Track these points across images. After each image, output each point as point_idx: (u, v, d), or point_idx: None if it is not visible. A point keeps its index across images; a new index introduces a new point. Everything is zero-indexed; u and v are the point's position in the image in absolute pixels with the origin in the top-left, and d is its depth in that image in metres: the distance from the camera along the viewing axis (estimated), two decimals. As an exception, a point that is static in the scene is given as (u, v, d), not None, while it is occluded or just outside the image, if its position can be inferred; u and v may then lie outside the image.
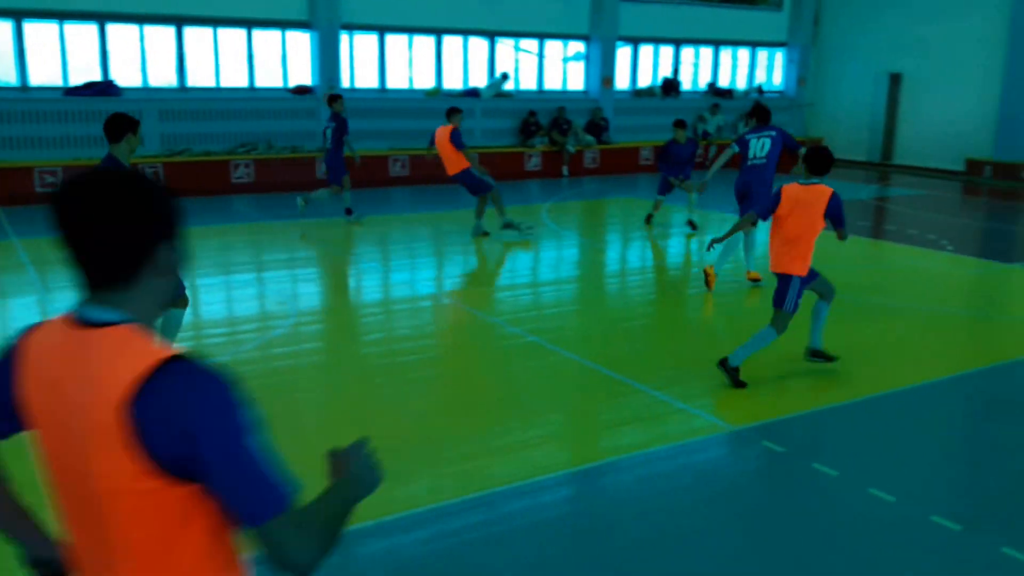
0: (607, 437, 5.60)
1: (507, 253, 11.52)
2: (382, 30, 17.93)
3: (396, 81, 18.44)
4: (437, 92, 18.57)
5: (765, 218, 6.52)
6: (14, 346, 1.71)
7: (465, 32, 18.93)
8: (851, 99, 22.78)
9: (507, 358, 7.09)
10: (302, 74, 17.27)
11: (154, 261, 1.59)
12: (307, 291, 9.49)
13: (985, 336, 7.88)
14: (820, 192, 6.23)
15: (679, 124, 12.20)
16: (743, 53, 23.39)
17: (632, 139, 20.47)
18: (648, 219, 12.77)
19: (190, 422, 1.48)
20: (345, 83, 17.51)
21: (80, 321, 1.59)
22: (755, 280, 9.50)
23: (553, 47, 20.33)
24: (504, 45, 19.62)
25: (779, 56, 23.85)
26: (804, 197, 6.28)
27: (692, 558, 4.09)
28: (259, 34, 16.74)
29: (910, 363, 6.87)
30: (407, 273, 10.36)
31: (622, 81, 21.25)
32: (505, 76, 19.32)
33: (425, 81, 18.74)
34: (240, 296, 8.84)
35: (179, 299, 6.07)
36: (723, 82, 23.16)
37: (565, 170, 19.17)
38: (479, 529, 4.30)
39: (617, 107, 20.57)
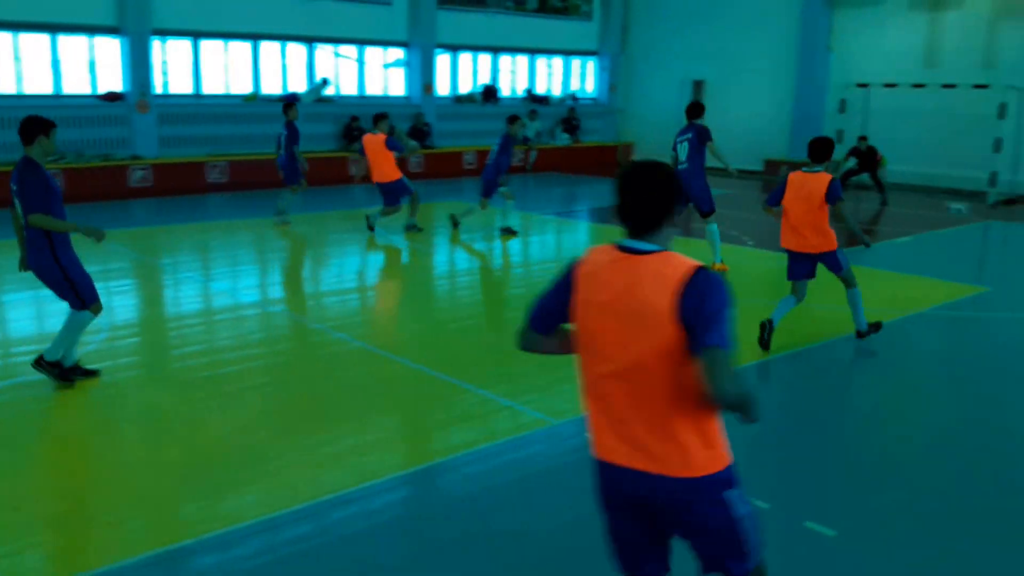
0: (436, 439, 5.65)
1: (333, 259, 11.39)
2: (196, 35, 17.32)
3: (212, 87, 17.83)
4: (255, 97, 18.12)
5: (776, 204, 7.43)
6: (573, 266, 2.77)
7: (283, 38, 18.58)
8: (659, 105, 23.96)
9: (333, 364, 7.01)
10: (112, 80, 16.42)
11: (672, 217, 2.64)
12: (122, 303, 8.99)
13: (785, 324, 8.50)
14: (822, 178, 7.12)
15: (514, 119, 12.49)
16: (557, 61, 24.17)
17: (455, 144, 20.70)
18: (455, 223, 12.78)
19: (703, 296, 2.48)
20: (158, 89, 16.80)
21: (626, 250, 2.64)
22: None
23: (373, 53, 20.26)
24: (323, 51, 19.36)
25: (591, 64, 24.80)
26: (808, 183, 7.17)
27: (520, 551, 4.18)
28: (64, 39, 15.82)
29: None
30: (228, 282, 10.03)
31: (443, 87, 21.45)
32: (325, 81, 19.08)
33: (243, 86, 18.22)
34: (50, 311, 8.21)
35: (93, 305, 6.16)
36: (540, 89, 23.83)
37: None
38: (309, 540, 4.24)
39: (439, 113, 20.75)
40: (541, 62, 23.80)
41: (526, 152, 20.73)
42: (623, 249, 2.65)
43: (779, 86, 21.18)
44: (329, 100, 19.13)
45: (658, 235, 2.63)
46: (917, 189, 16.94)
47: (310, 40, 18.98)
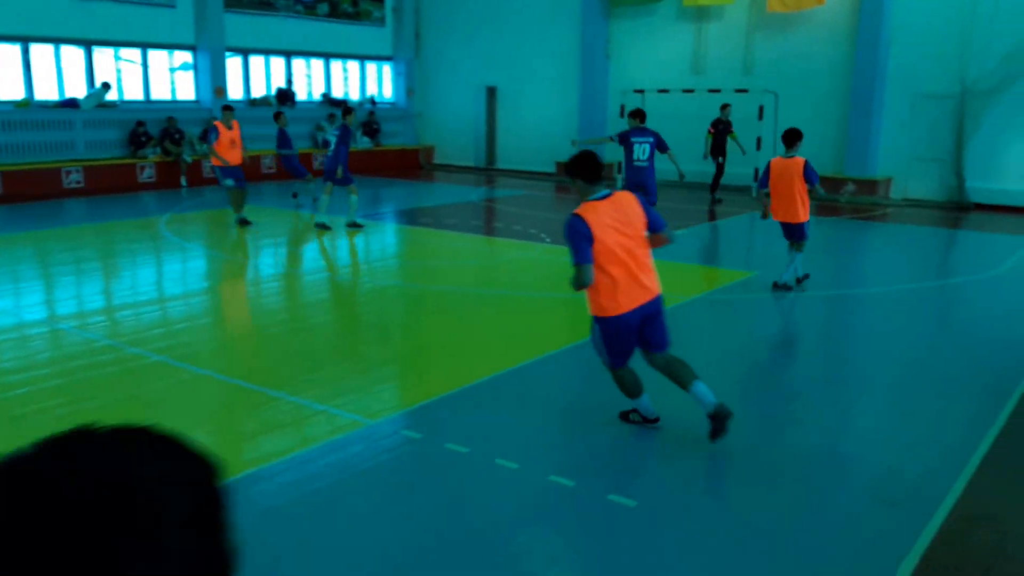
0: (247, 449, 5.56)
1: (125, 270, 10.87)
2: (-46, 36, 15.93)
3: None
4: (28, 103, 16.88)
5: (763, 187, 9.42)
6: (582, 221, 5.09)
7: (57, 40, 17.39)
8: (456, 110, 24.42)
9: (131, 381, 6.72)
10: None
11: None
12: None
13: (582, 314, 8.99)
14: (797, 161, 9.07)
15: (350, 111, 13.37)
16: (353, 65, 24.06)
17: (252, 148, 20.09)
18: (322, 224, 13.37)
19: (645, 203, 5.42)
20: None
21: (606, 196, 5.25)
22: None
23: (158, 56, 19.37)
24: (103, 54, 18.31)
25: (387, 69, 24.87)
26: (787, 166, 9.11)
27: (337, 555, 4.22)
28: None
29: (521, 343, 7.65)
30: (10, 299, 9.34)
31: (235, 91, 20.82)
32: (106, 86, 18.04)
33: (13, 91, 16.92)
34: None
35: None
36: (337, 93, 23.63)
37: (184, 180, 18.44)
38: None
39: (236, 116, 20.09)
40: (336, 66, 23.61)
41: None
42: (603, 197, 5.24)
43: (565, 92, 22.11)
44: (112, 105, 18.12)
45: (603, 184, 5.31)
46: (691, 186, 18.25)
47: (88, 43, 17.89)
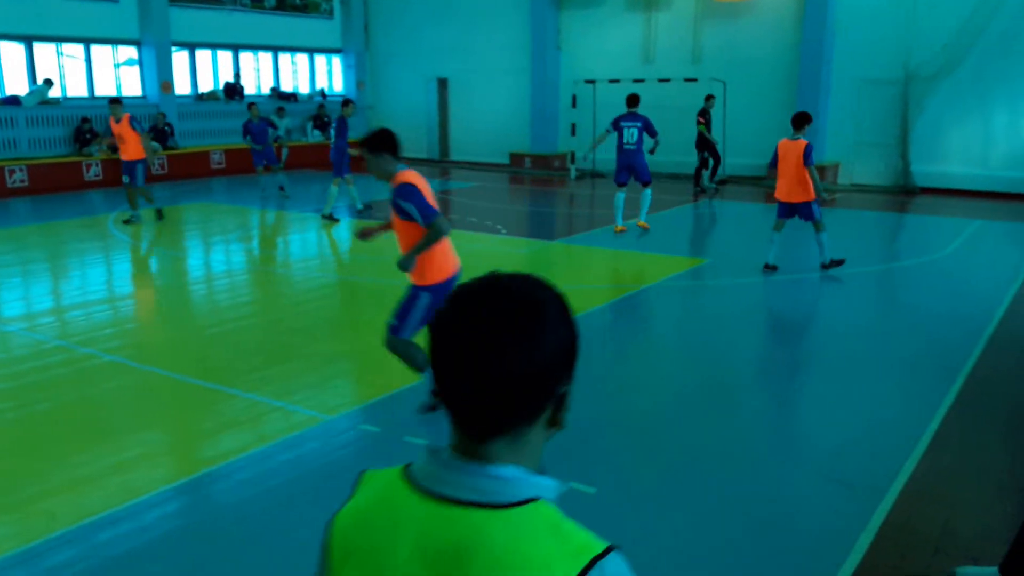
0: (204, 448, 5.53)
1: (73, 269, 10.65)
2: None
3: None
4: (-34, 100, 16.46)
5: (772, 167, 9.74)
6: (412, 182, 5.35)
7: (-6, 36, 16.99)
8: (407, 102, 24.29)
9: (83, 382, 6.62)
10: None
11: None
12: None
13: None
14: (800, 143, 9.44)
15: (348, 102, 13.97)
16: (302, 58, 23.81)
17: (200, 143, 19.90)
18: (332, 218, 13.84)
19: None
20: None
21: (405, 168, 5.40)
22: (644, 228, 12.47)
23: (101, 52, 18.98)
24: (44, 50, 17.88)
25: (337, 61, 24.65)
26: (792, 147, 9.51)
27: (293, 553, 4.15)
28: None
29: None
30: (-50, 306, 9.12)
31: (182, 86, 20.51)
32: (49, 82, 17.64)
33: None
34: None
35: None
36: (286, 86, 23.38)
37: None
38: (73, 565, 4.04)
39: (180, 112, 19.83)
40: (285, 59, 23.35)
41: (277, 150, 20.30)
42: (405, 169, 5.30)
43: (517, 83, 22.12)
44: (55, 102, 17.73)
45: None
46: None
47: (28, 39, 17.47)
